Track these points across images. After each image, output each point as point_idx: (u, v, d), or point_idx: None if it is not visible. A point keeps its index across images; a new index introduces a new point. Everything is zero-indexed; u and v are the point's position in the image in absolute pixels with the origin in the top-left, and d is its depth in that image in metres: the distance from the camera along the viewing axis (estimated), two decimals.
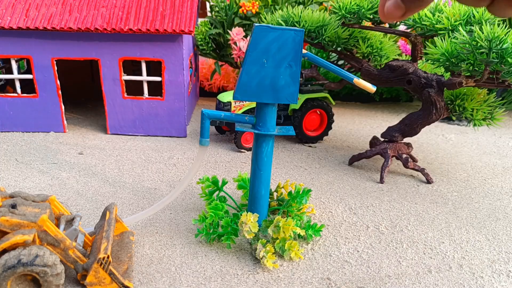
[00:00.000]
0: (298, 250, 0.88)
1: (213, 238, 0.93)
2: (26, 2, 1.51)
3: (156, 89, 1.62)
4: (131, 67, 1.71)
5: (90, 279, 0.75)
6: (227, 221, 0.90)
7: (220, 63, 2.14)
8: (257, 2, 1.89)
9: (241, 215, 0.90)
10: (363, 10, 1.25)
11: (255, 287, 0.81)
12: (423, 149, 1.65)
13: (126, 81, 1.58)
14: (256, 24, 0.75)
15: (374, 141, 1.42)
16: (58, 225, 0.82)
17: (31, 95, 1.59)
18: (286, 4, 1.93)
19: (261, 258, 0.85)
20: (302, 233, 0.91)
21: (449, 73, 1.22)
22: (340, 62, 2.06)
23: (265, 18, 1.47)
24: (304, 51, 0.76)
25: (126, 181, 1.25)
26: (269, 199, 1.03)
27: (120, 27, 1.45)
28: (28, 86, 1.64)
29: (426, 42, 1.37)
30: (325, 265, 0.88)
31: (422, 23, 1.18)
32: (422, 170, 1.32)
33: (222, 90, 2.30)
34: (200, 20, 2.03)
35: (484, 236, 1.02)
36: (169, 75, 1.56)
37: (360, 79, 0.84)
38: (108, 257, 0.74)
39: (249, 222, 0.87)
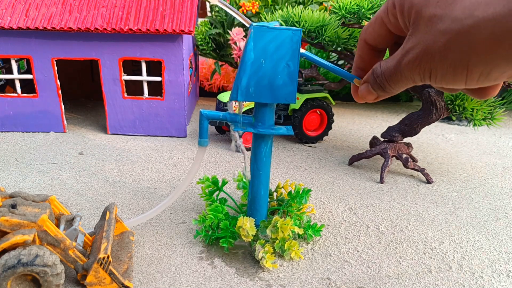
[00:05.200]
0: (298, 249, 0.88)
1: (212, 240, 0.93)
2: (26, 2, 1.51)
3: (156, 89, 1.62)
4: (131, 67, 1.71)
5: (90, 279, 0.75)
6: (226, 224, 0.90)
7: (220, 63, 2.14)
8: (257, 2, 1.89)
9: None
10: (363, 10, 1.25)
11: (255, 287, 0.81)
12: (423, 149, 1.65)
13: (126, 81, 1.58)
14: (253, 24, 0.75)
15: (374, 141, 1.42)
16: (58, 225, 0.82)
17: (31, 95, 1.59)
18: (286, 4, 1.93)
19: (261, 259, 0.85)
20: (301, 232, 0.91)
21: None
22: (340, 62, 2.05)
23: (265, 18, 1.47)
24: (302, 50, 0.76)
25: (126, 181, 1.25)
26: (269, 199, 1.03)
27: (120, 27, 1.45)
28: (28, 86, 1.64)
29: None
30: (325, 265, 0.88)
31: None
32: (422, 170, 1.32)
33: (222, 90, 2.30)
34: (200, 20, 2.03)
35: (484, 236, 1.02)
36: (169, 75, 1.56)
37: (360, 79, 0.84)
38: (108, 257, 0.74)
39: (246, 226, 0.87)
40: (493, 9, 0.27)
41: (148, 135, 1.66)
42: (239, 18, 0.72)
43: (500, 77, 0.30)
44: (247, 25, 0.75)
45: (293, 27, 0.75)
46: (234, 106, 1.54)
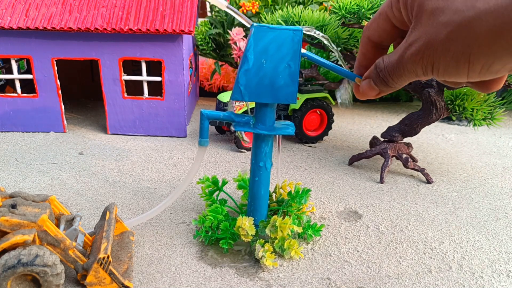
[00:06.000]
0: (298, 248, 0.88)
1: (211, 241, 0.93)
2: (26, 2, 1.51)
3: (156, 89, 1.62)
4: (131, 67, 1.71)
5: (90, 279, 0.75)
6: (226, 225, 0.90)
7: (220, 63, 2.14)
8: (257, 2, 1.89)
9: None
10: (363, 10, 1.25)
11: (255, 287, 0.81)
12: (423, 149, 1.65)
13: (126, 81, 1.58)
14: (254, 24, 0.75)
15: (374, 141, 1.42)
16: (58, 225, 0.82)
17: (31, 95, 1.59)
18: (286, 4, 1.93)
19: (261, 258, 0.85)
20: (300, 230, 0.91)
21: None
22: (340, 62, 2.06)
23: (265, 18, 1.47)
24: (303, 50, 0.76)
25: (126, 181, 1.25)
26: (269, 200, 1.03)
27: (120, 27, 1.45)
28: (28, 86, 1.64)
29: None
30: (325, 265, 0.88)
31: None
32: (422, 170, 1.32)
33: (222, 90, 2.30)
34: (200, 20, 2.03)
35: (484, 236, 1.02)
36: (169, 75, 1.56)
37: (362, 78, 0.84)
38: (108, 257, 0.74)
39: (245, 226, 0.87)
40: (494, 1, 0.27)
41: (148, 135, 1.66)
42: (239, 18, 0.72)
43: (502, 70, 0.30)
44: (248, 25, 0.75)
45: (294, 27, 0.75)
46: (235, 106, 1.54)
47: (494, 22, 0.27)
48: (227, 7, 0.69)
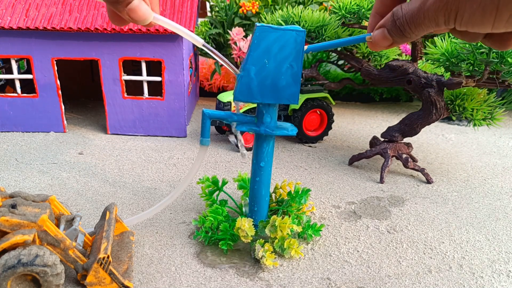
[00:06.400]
0: (298, 247, 0.88)
1: (211, 241, 0.93)
2: (26, 2, 1.51)
3: (156, 89, 1.62)
4: (131, 67, 1.71)
5: (90, 279, 0.75)
6: (226, 226, 0.90)
7: (220, 63, 2.14)
8: (257, 2, 1.89)
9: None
10: (363, 10, 1.25)
11: (255, 287, 0.81)
12: (423, 149, 1.65)
13: (126, 81, 1.58)
14: (257, 24, 0.75)
15: (374, 141, 1.42)
16: (58, 225, 0.82)
17: (31, 95, 1.59)
18: (286, 4, 1.93)
19: (261, 258, 0.85)
20: (299, 229, 0.91)
21: (449, 73, 1.22)
22: (340, 62, 2.06)
23: (265, 18, 1.47)
24: (305, 48, 0.76)
25: (126, 181, 1.25)
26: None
27: (120, 27, 1.45)
28: (28, 86, 1.64)
29: (426, 42, 1.37)
30: (325, 265, 0.88)
31: None
32: (422, 170, 1.32)
33: (222, 90, 2.30)
34: (200, 20, 2.03)
35: (484, 236, 1.02)
36: (169, 75, 1.56)
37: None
38: (108, 257, 0.74)
39: (244, 227, 0.87)
40: None
41: (148, 135, 1.66)
42: (225, 64, 0.74)
43: None
44: (235, 74, 0.77)
45: (297, 27, 0.75)
46: (234, 106, 1.54)
47: None
48: (203, 46, 0.70)
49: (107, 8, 0.45)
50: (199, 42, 0.68)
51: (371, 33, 0.41)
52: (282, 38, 0.75)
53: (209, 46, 0.70)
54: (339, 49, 1.42)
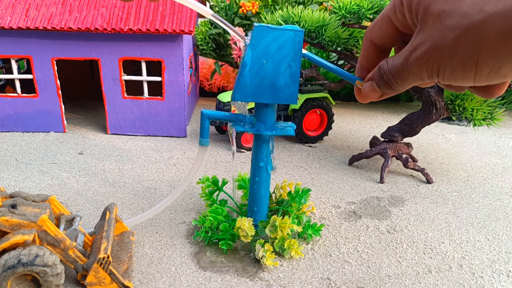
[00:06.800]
0: (298, 247, 0.88)
1: (211, 241, 0.93)
2: (26, 2, 1.51)
3: (156, 89, 1.62)
4: (131, 67, 1.72)
5: (90, 279, 0.75)
6: (226, 226, 0.90)
7: (220, 63, 2.14)
8: (257, 2, 1.89)
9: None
10: (363, 10, 1.25)
11: (255, 287, 0.81)
12: (423, 149, 1.65)
13: (126, 81, 1.58)
14: (255, 24, 0.75)
15: (374, 141, 1.42)
16: (58, 225, 0.82)
17: (31, 95, 1.59)
18: (286, 4, 1.93)
19: (261, 258, 0.85)
20: (300, 229, 0.91)
21: None
22: (340, 62, 2.06)
23: (265, 18, 1.47)
24: (304, 51, 0.76)
25: (126, 181, 1.25)
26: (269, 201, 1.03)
27: (120, 27, 1.45)
28: (28, 86, 1.64)
29: None
30: (325, 265, 0.88)
31: None
32: (422, 170, 1.32)
33: (222, 90, 2.30)
34: (200, 20, 2.03)
35: (484, 236, 1.02)
36: (169, 75, 1.56)
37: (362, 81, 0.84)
38: (108, 257, 0.74)
39: (244, 226, 0.87)
40: (503, 3, 0.27)
41: (148, 135, 1.66)
42: (233, 33, 0.72)
43: (510, 73, 0.30)
44: (242, 41, 0.75)
45: (295, 27, 0.75)
46: (234, 107, 1.54)
47: (503, 25, 0.27)
48: (212, 16, 0.69)
49: None
50: (208, 12, 0.68)
51: (361, 80, 0.43)
52: (280, 38, 0.75)
53: (218, 16, 0.69)
54: (339, 49, 1.42)
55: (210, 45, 1.98)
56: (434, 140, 1.76)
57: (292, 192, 1.01)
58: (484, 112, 1.23)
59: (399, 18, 0.36)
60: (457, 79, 0.32)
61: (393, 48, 0.42)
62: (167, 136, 1.66)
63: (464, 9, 0.29)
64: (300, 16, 1.35)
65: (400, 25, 0.37)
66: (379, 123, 1.99)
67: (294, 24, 1.36)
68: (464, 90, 0.37)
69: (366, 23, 1.34)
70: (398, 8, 0.36)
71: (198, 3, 0.65)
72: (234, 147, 0.93)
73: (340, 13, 1.30)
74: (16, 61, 1.59)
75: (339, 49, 1.42)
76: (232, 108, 1.55)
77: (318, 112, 1.61)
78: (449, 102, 1.27)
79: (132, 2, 1.53)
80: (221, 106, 1.56)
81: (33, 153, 1.44)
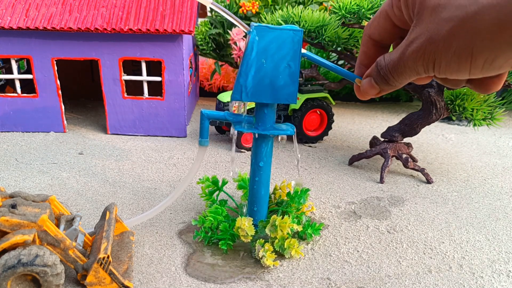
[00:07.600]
0: (298, 247, 0.88)
1: (211, 241, 0.93)
2: (26, 2, 1.51)
3: (156, 89, 1.62)
4: (131, 67, 1.72)
5: (90, 279, 0.75)
6: (225, 226, 0.90)
7: (220, 63, 2.14)
8: (257, 2, 1.89)
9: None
10: (363, 10, 1.24)
11: (255, 287, 0.81)
12: (423, 149, 1.65)
13: (126, 81, 1.58)
14: (254, 24, 0.75)
15: (374, 141, 1.42)
16: (58, 225, 0.82)
17: (31, 95, 1.59)
18: (286, 4, 1.93)
19: (261, 258, 0.85)
20: (300, 228, 0.91)
21: None
22: (340, 62, 2.06)
23: (265, 18, 1.47)
24: (303, 50, 0.76)
25: (126, 181, 1.25)
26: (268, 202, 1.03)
27: (120, 27, 1.45)
28: (28, 86, 1.64)
29: None
30: (325, 265, 0.88)
31: None
32: (422, 170, 1.32)
33: (222, 90, 2.30)
34: (200, 20, 2.03)
35: (484, 236, 1.02)
36: (169, 75, 1.56)
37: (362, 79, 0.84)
38: (108, 257, 0.74)
39: (244, 226, 0.87)
40: None
41: (148, 135, 1.66)
42: (236, 22, 0.72)
43: (504, 65, 0.30)
44: (245, 31, 0.75)
45: (294, 27, 0.75)
46: (234, 107, 1.54)
47: (497, 16, 0.27)
48: (212, 4, 0.68)
49: None
50: (208, 1, 0.68)
51: (361, 78, 0.43)
52: (279, 38, 0.75)
53: (218, 4, 0.69)
54: (339, 49, 1.42)
55: (210, 45, 1.98)
56: (434, 140, 1.76)
57: (291, 193, 1.01)
58: (484, 112, 1.23)
59: (396, 13, 0.37)
60: (452, 72, 0.32)
61: (391, 45, 0.42)
62: (167, 136, 1.66)
63: (459, 1, 0.30)
64: (300, 16, 1.35)
65: (397, 20, 0.37)
66: (379, 123, 1.99)
67: (294, 24, 1.36)
68: (461, 84, 0.37)
69: (366, 23, 1.34)
70: (395, 3, 0.36)
71: None
72: (234, 153, 0.93)
73: (340, 13, 1.30)
74: (16, 61, 1.59)
75: (339, 49, 1.42)
76: (233, 108, 1.54)
77: (318, 112, 1.61)
78: (449, 102, 1.27)
79: (132, 2, 1.53)
80: (221, 106, 1.56)
81: (33, 153, 1.44)
